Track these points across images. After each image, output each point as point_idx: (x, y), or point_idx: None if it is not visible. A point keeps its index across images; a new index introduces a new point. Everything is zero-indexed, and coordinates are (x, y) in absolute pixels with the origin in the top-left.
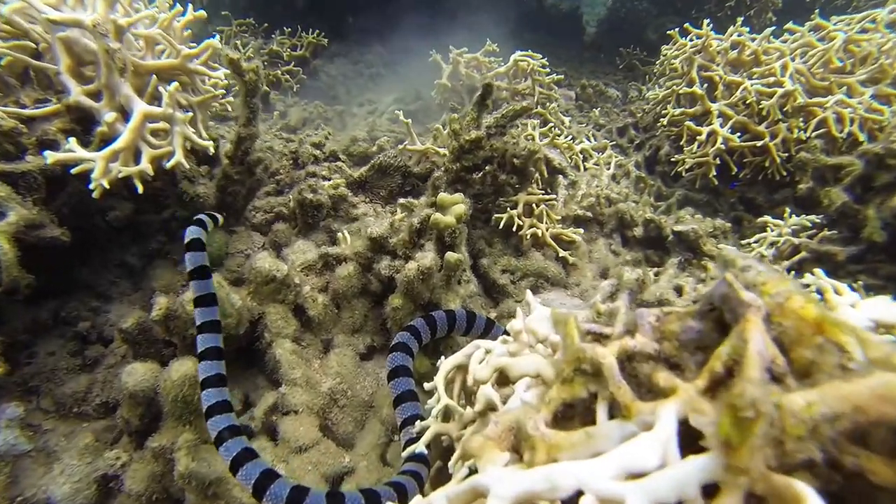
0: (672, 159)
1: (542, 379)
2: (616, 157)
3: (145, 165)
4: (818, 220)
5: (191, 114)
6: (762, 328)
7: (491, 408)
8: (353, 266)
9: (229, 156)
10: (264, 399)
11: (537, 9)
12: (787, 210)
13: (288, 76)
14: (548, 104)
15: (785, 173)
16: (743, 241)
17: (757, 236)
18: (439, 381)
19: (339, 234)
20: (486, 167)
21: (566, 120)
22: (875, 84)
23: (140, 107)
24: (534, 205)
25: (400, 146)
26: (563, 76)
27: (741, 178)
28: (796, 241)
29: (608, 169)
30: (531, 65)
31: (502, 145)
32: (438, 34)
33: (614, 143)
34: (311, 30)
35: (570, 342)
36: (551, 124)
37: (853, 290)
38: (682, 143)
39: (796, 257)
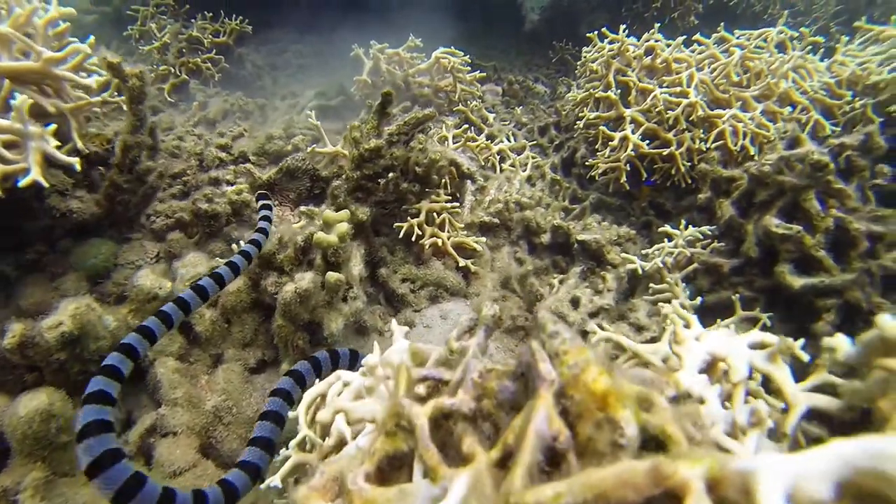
0: (587, 163)
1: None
2: (534, 157)
3: None
4: (710, 232)
5: (52, 126)
6: (550, 404)
7: (343, 442)
8: (241, 281)
9: (117, 164)
10: (141, 421)
11: None
12: (683, 221)
13: (210, 64)
14: (469, 102)
15: (690, 181)
16: (644, 251)
17: (656, 246)
18: (301, 410)
19: (234, 246)
20: (389, 174)
21: (490, 117)
22: (766, 100)
23: None
24: (436, 213)
25: (311, 147)
26: (486, 73)
27: (652, 179)
28: (689, 252)
29: (524, 171)
30: (452, 62)
31: (404, 153)
32: (374, 23)
33: (535, 142)
34: (234, 15)
35: (395, 395)
36: (466, 126)
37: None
38: (597, 146)
39: (690, 268)
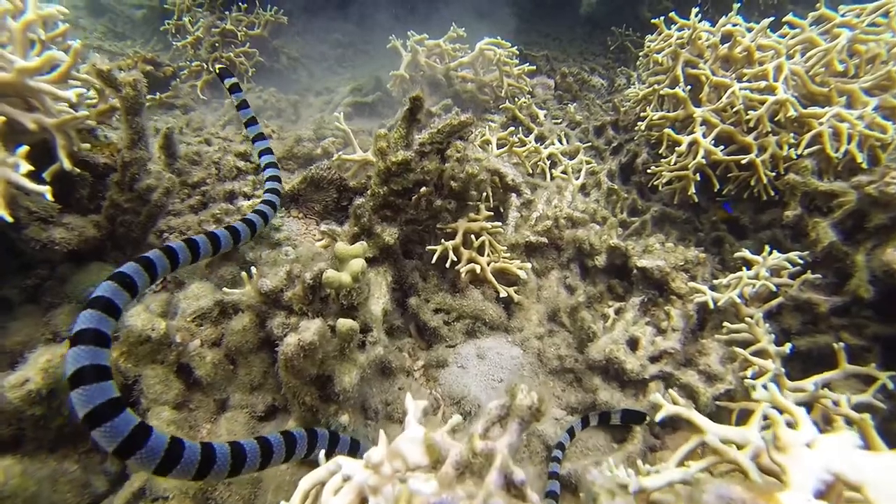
0: (648, 170)
1: None
2: (589, 162)
3: None
4: (801, 261)
5: (22, 149)
6: None
7: None
8: (248, 318)
9: (116, 182)
10: (129, 483)
11: None
12: (766, 247)
13: (243, 58)
14: (517, 98)
15: (773, 193)
16: (716, 280)
17: (731, 276)
18: (295, 500)
19: (244, 274)
20: (421, 189)
21: (541, 114)
22: (882, 93)
23: None
24: (475, 233)
25: (338, 154)
26: (536, 66)
27: (724, 193)
28: (774, 284)
29: (577, 179)
30: (498, 54)
31: (437, 166)
32: (416, 9)
33: (589, 144)
34: (269, 6)
35: None
36: (512, 128)
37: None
38: (661, 150)
39: (774, 301)
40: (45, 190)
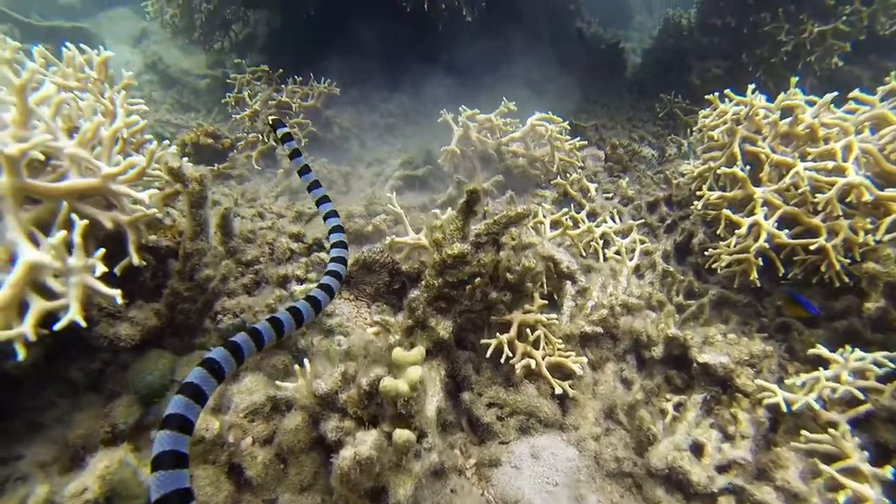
0: (706, 252)
1: None
2: (643, 241)
3: (27, 328)
4: (892, 365)
5: (100, 252)
6: None
7: None
8: (301, 418)
9: (178, 271)
10: None
11: (578, 43)
12: (849, 347)
13: (297, 129)
14: (569, 174)
15: (847, 279)
16: (788, 381)
17: (806, 377)
18: None
19: (297, 368)
20: (476, 280)
21: (592, 188)
22: None
23: (26, 256)
24: (530, 326)
25: (391, 237)
26: (586, 140)
27: (790, 278)
28: (859, 390)
29: (631, 260)
30: (550, 130)
31: (492, 258)
32: (470, 80)
33: (642, 221)
34: (322, 78)
35: None
36: (565, 210)
37: None
38: (718, 230)
39: (861, 408)
40: (117, 294)
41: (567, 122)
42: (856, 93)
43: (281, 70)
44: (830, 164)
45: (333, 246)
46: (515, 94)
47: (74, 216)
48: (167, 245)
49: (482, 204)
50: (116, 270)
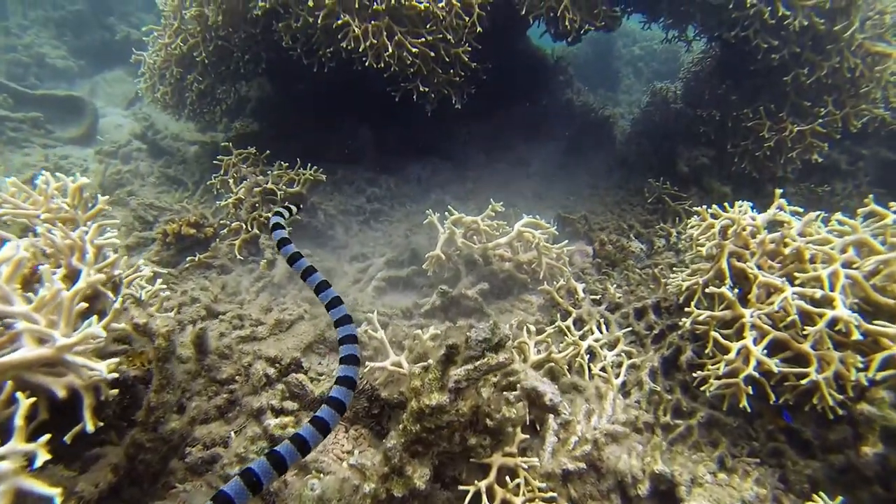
0: (695, 374)
1: None
2: (631, 352)
3: None
4: None
5: (43, 439)
6: None
7: None
8: None
9: (141, 422)
10: None
11: (568, 116)
12: (840, 498)
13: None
14: (556, 280)
15: (841, 412)
16: None
17: None
18: None
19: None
20: (458, 423)
21: (580, 290)
22: None
23: None
24: (510, 468)
25: (369, 365)
26: (569, 244)
27: (780, 403)
28: None
29: (618, 378)
30: (537, 238)
31: (472, 405)
32: (458, 162)
33: (629, 329)
34: (309, 164)
35: None
36: (548, 333)
37: None
38: (707, 350)
39: None
40: (56, 494)
41: (555, 216)
42: (838, 216)
43: (268, 151)
44: (818, 294)
45: (342, 361)
46: (504, 174)
47: (19, 394)
48: (135, 375)
49: (462, 355)
50: (67, 438)
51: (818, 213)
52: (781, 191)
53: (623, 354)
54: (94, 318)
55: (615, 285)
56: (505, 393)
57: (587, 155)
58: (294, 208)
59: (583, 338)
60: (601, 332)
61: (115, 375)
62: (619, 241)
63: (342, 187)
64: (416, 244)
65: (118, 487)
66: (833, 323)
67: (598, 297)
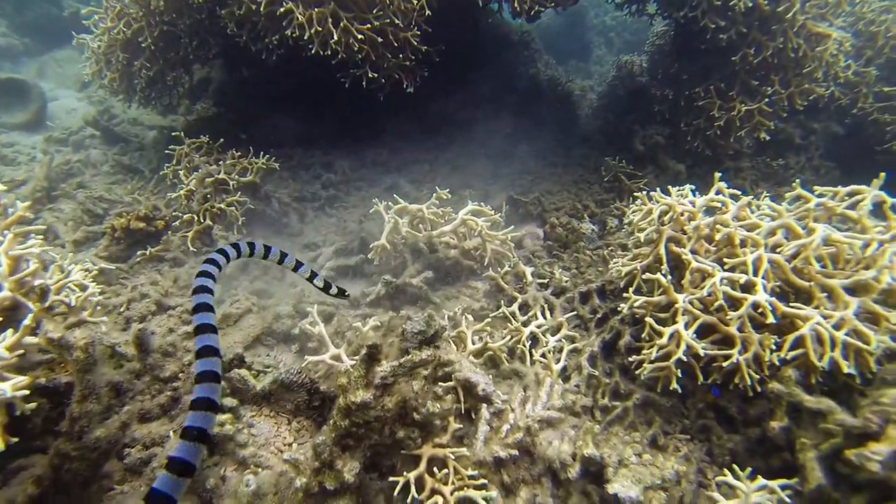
0: (631, 358)
1: None
2: (573, 337)
3: None
4: (788, 500)
5: None
6: None
7: None
8: None
9: (65, 432)
10: None
11: (533, 92)
12: (749, 468)
13: (234, 207)
14: (501, 266)
15: (759, 389)
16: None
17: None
18: None
19: None
20: (387, 418)
21: (528, 273)
22: (862, 295)
23: None
24: (441, 458)
25: (307, 359)
26: (525, 228)
27: (709, 383)
28: None
29: (558, 363)
30: (480, 226)
31: (398, 400)
32: (415, 144)
33: (574, 313)
34: (262, 153)
35: None
36: (488, 321)
37: None
38: (644, 335)
39: None
40: None
41: (507, 197)
42: (766, 200)
43: (222, 140)
44: (743, 279)
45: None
46: (462, 154)
47: None
48: (67, 381)
49: (384, 354)
50: None
51: (750, 197)
52: (720, 174)
53: (565, 339)
54: (9, 331)
55: (564, 268)
56: (434, 386)
57: (551, 131)
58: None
59: (526, 324)
60: (545, 318)
61: (26, 392)
62: (570, 222)
63: (298, 173)
64: (367, 232)
65: (43, 498)
66: (756, 306)
67: (545, 280)
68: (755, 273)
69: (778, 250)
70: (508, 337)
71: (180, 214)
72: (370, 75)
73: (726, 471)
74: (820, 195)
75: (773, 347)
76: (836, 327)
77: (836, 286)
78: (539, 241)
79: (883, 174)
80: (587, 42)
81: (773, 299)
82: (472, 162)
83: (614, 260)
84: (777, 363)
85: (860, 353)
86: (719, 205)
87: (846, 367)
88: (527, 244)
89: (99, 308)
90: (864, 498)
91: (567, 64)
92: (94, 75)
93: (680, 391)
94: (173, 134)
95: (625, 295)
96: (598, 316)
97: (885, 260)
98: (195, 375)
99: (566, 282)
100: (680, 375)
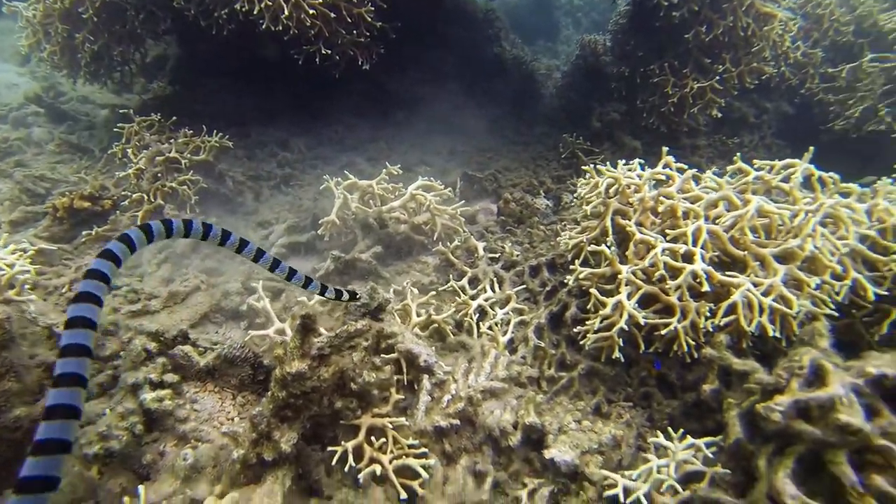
0: (576, 329)
1: None
2: (522, 309)
3: None
4: (711, 455)
5: None
6: None
7: None
8: None
9: None
10: None
11: (498, 70)
12: (681, 430)
13: (187, 186)
14: (451, 240)
15: (697, 356)
16: (627, 472)
17: (642, 468)
18: None
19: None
20: (324, 388)
21: (480, 248)
22: (790, 262)
23: None
24: (380, 428)
25: (250, 332)
26: (480, 204)
27: (651, 352)
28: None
29: (505, 335)
30: (429, 200)
31: (335, 371)
32: (374, 121)
33: (524, 286)
34: (215, 130)
35: None
36: (431, 294)
37: None
38: (589, 305)
39: (684, 494)
40: None
41: (462, 173)
42: (709, 174)
43: (174, 118)
44: (683, 249)
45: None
46: (422, 132)
47: None
48: None
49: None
50: None
51: (693, 169)
52: (667, 149)
53: (513, 312)
54: None
55: (517, 243)
56: (373, 357)
57: (514, 110)
58: None
59: (474, 297)
60: (493, 291)
61: None
62: (524, 198)
63: (254, 152)
64: (319, 209)
65: None
66: (694, 275)
67: (497, 255)
68: (694, 243)
69: (717, 221)
70: (454, 310)
71: (129, 194)
72: (324, 52)
73: (659, 433)
74: (758, 169)
75: (708, 314)
76: (765, 294)
77: (767, 255)
78: (493, 216)
79: (812, 147)
80: (555, 22)
81: (710, 268)
82: (431, 140)
83: (563, 233)
84: (711, 329)
85: (786, 317)
86: (665, 178)
87: (771, 331)
88: (480, 220)
89: (28, 287)
90: (771, 447)
91: (535, 44)
92: (32, 48)
93: (623, 360)
94: (121, 111)
95: (571, 267)
96: (548, 289)
97: (809, 228)
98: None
99: (517, 256)
100: (622, 344)
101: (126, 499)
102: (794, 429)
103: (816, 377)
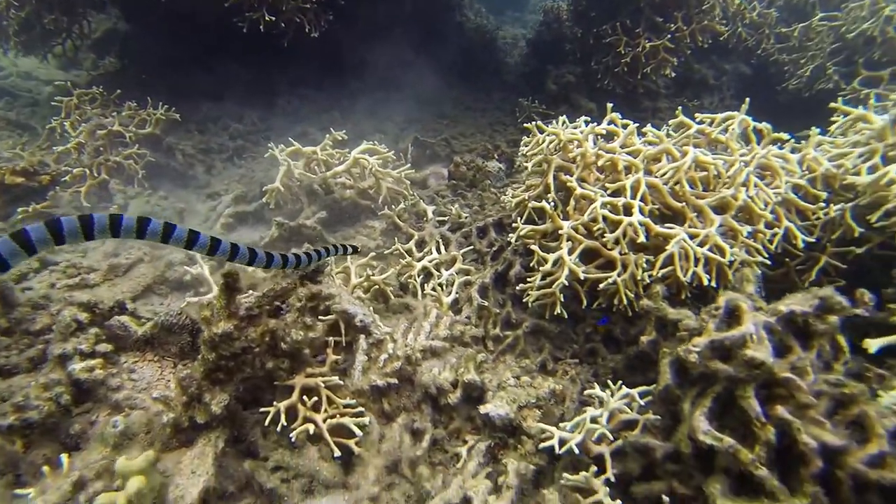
0: (519, 287)
1: None
2: (468, 270)
3: None
4: (642, 402)
5: None
6: None
7: None
8: None
9: None
10: None
11: (457, 38)
12: (619, 382)
13: (133, 160)
14: (399, 203)
15: (637, 309)
16: (561, 424)
17: (576, 419)
18: None
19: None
20: (254, 349)
21: (429, 211)
22: (724, 212)
23: None
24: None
25: (187, 299)
26: (430, 168)
27: (595, 307)
28: (611, 434)
29: (448, 296)
30: (371, 163)
31: (263, 331)
32: (330, 92)
33: (472, 247)
34: (161, 103)
35: None
36: (371, 256)
37: None
38: (532, 263)
39: (614, 444)
40: None
41: (413, 139)
42: (648, 128)
43: (119, 91)
44: (621, 202)
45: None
46: (377, 101)
47: None
48: None
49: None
50: None
51: (636, 124)
52: (611, 105)
53: (458, 273)
54: None
55: (467, 206)
56: (304, 317)
57: (474, 78)
58: None
59: (420, 259)
60: (439, 253)
61: None
62: (474, 161)
63: (207, 125)
64: (268, 178)
65: None
66: (629, 232)
67: (445, 218)
68: (633, 196)
69: (657, 174)
70: (395, 271)
71: (70, 169)
72: (267, 18)
73: (596, 385)
74: (700, 122)
75: (646, 266)
76: (701, 244)
77: (705, 206)
78: (444, 180)
79: (748, 98)
80: None
81: (647, 220)
82: (387, 108)
83: (507, 190)
84: (649, 281)
85: (721, 266)
86: (608, 134)
87: (706, 280)
88: (431, 184)
89: None
90: (695, 390)
91: (504, 14)
92: None
93: (568, 317)
94: (56, 83)
95: (514, 225)
96: (494, 249)
97: (742, 178)
98: None
99: (465, 218)
100: (563, 300)
101: (46, 468)
102: (710, 369)
103: (733, 318)
